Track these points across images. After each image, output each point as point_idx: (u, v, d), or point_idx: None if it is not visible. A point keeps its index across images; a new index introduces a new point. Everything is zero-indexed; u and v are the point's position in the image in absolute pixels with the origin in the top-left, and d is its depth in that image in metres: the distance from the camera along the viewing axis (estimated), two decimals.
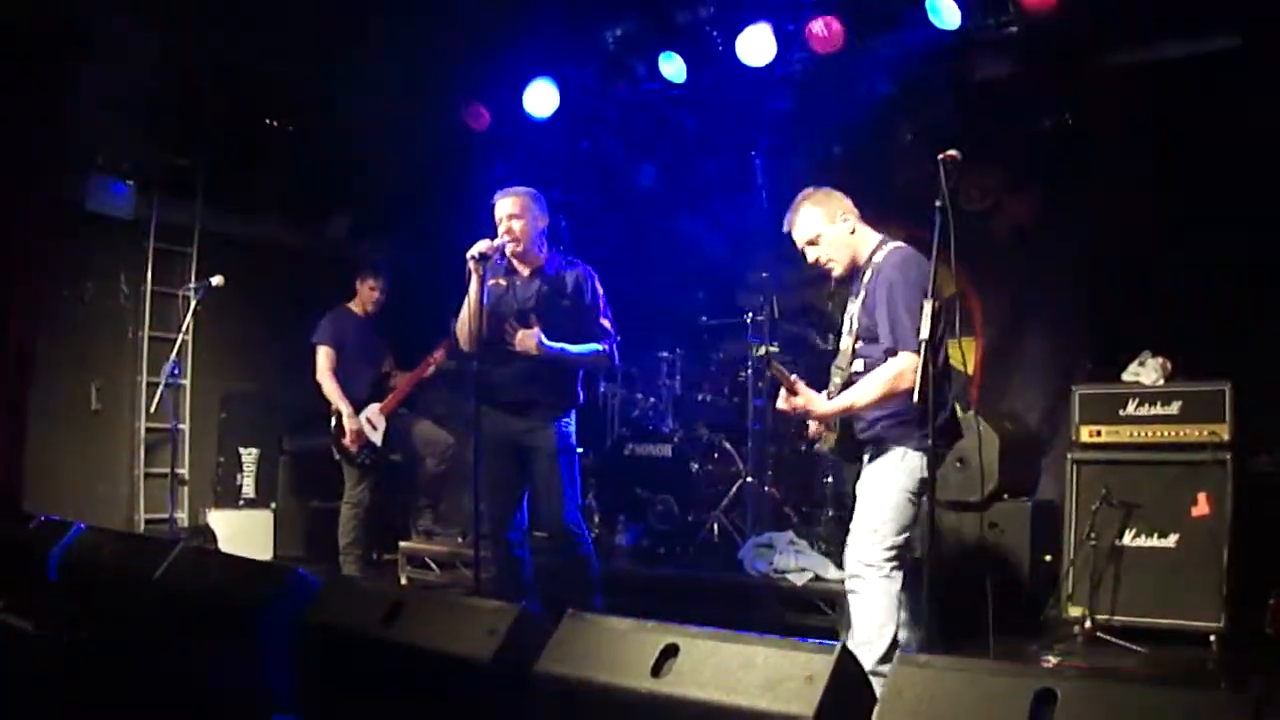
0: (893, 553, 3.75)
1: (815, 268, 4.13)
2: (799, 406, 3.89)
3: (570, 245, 5.12)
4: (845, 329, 4.11)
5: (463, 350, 5.05)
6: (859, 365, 3.94)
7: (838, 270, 4.08)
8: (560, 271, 4.98)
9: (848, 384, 3.92)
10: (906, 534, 3.80)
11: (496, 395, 4.83)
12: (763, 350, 3.90)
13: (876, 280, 3.90)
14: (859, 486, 3.93)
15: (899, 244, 4.00)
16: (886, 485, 3.81)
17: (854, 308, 4.03)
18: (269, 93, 8.04)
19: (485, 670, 2.95)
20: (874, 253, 4.00)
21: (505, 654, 2.95)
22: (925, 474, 3.76)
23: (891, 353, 3.77)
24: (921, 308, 3.66)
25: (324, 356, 6.57)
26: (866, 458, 3.93)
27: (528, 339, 4.76)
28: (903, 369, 3.69)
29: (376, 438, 6.49)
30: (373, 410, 6.50)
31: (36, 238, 6.83)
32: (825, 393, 3.98)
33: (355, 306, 6.77)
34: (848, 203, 4.07)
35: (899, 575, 3.75)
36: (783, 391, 3.92)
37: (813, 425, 4.23)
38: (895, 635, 3.71)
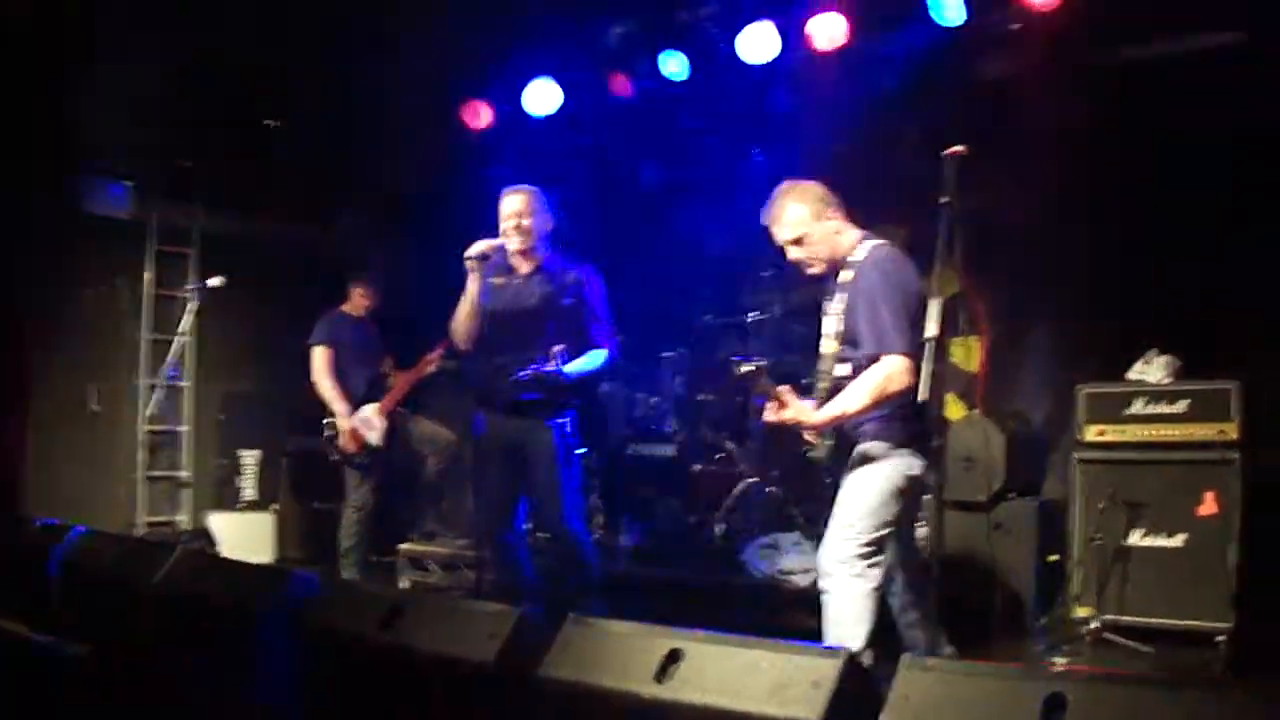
0: (866, 550, 3.63)
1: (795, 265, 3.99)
2: (789, 419, 3.79)
3: (574, 245, 5.10)
4: (826, 331, 3.98)
5: (460, 349, 5.02)
6: (844, 369, 3.82)
7: (817, 270, 3.97)
8: (562, 270, 4.94)
9: (835, 389, 3.80)
10: (885, 532, 3.67)
11: (494, 396, 4.80)
12: (748, 368, 3.81)
13: (858, 281, 3.79)
14: (842, 483, 3.80)
15: (879, 241, 3.90)
16: (866, 483, 3.71)
17: (834, 308, 3.91)
18: (269, 92, 8.01)
19: (486, 674, 2.92)
20: (853, 250, 3.88)
21: (506, 658, 2.93)
22: (914, 473, 3.71)
23: (875, 357, 3.66)
24: (906, 307, 3.61)
25: (319, 358, 6.53)
26: (852, 456, 3.81)
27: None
28: (891, 372, 3.60)
29: (375, 437, 6.43)
30: (370, 410, 6.46)
31: (36, 240, 6.81)
32: (813, 400, 3.89)
33: (349, 309, 6.74)
34: (831, 196, 3.93)
35: (873, 574, 3.63)
36: (770, 404, 3.81)
37: (807, 435, 4.05)
38: (869, 637, 3.57)
